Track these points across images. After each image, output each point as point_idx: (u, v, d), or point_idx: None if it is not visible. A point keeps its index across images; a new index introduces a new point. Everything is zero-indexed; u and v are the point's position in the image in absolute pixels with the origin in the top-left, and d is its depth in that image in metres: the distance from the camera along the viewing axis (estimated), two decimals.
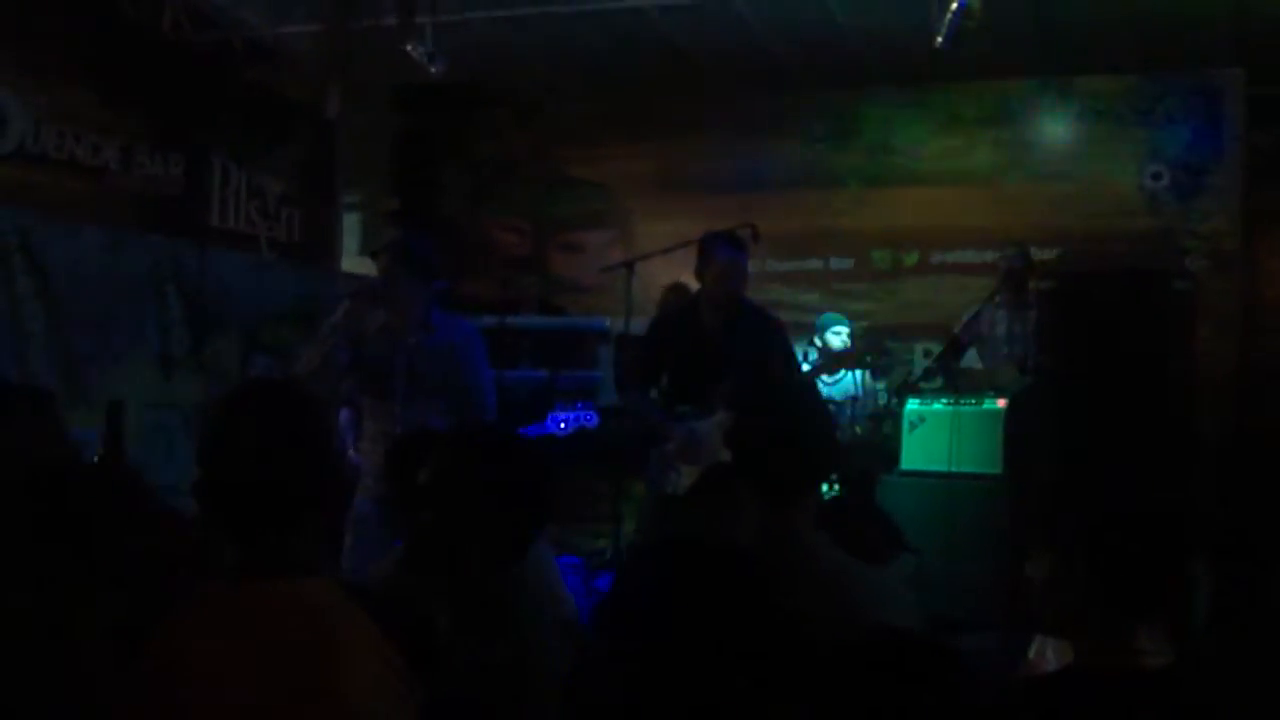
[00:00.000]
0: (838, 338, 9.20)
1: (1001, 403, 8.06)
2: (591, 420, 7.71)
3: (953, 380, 8.58)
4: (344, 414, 6.76)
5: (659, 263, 8.68)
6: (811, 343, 9.27)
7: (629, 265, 8.12)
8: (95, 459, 7.29)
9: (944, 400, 8.24)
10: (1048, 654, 3.21)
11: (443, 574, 3.30)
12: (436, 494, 3.30)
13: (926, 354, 9.79)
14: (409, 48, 8.65)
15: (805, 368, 7.64)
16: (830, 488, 8.26)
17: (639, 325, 8.12)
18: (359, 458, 6.34)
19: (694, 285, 8.94)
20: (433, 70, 8.84)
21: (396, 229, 10.49)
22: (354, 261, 11.20)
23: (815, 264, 10.79)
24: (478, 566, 3.22)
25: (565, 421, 7.66)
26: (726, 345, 6.71)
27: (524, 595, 3.38)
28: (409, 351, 6.03)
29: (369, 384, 6.14)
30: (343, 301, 6.12)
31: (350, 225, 11.53)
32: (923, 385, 8.75)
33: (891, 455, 8.34)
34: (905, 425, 8.31)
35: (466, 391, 6.19)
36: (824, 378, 8.82)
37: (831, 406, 8.17)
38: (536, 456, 3.45)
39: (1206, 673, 2.49)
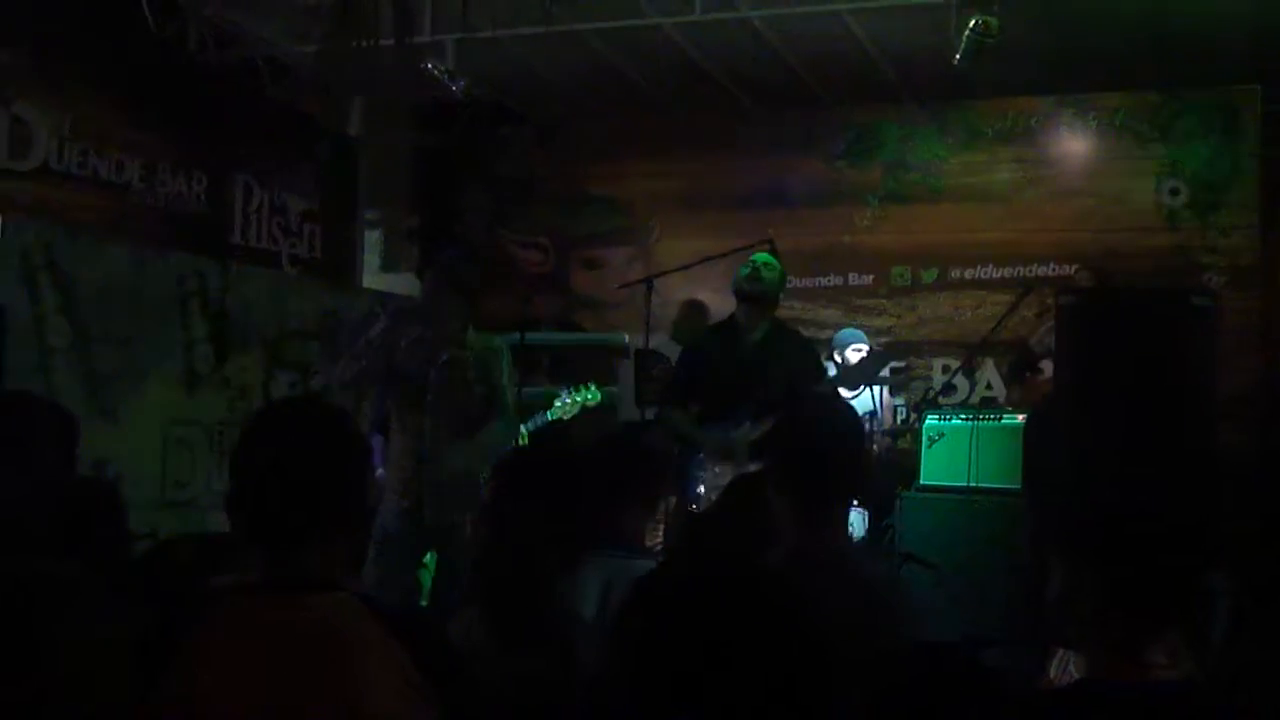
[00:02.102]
0: (857, 354, 9.23)
1: (1021, 418, 8.08)
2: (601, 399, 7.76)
3: (1022, 394, 8.62)
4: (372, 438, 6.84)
5: (679, 279, 8.73)
6: (830, 358, 9.30)
7: (649, 282, 8.16)
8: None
9: (963, 415, 8.26)
10: (1069, 669, 3.21)
11: (495, 587, 3.34)
12: (493, 512, 3.35)
13: (945, 369, 9.81)
14: (430, 66, 8.71)
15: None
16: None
17: (659, 341, 8.16)
18: (384, 473, 6.42)
19: (711, 303, 9.02)
20: (454, 89, 8.89)
21: (436, 248, 10.56)
22: (375, 278, 11.26)
23: (835, 280, 10.79)
24: (528, 581, 3.25)
25: (567, 405, 7.73)
26: (763, 360, 6.79)
27: (573, 609, 3.40)
28: (441, 369, 6.13)
29: (401, 398, 6.26)
30: (380, 318, 6.25)
31: (372, 242, 11.57)
32: (941, 400, 8.78)
33: (910, 471, 8.35)
34: (924, 440, 8.32)
35: (488, 402, 6.32)
36: (843, 393, 8.86)
37: None
38: (582, 473, 3.48)
39: (1222, 686, 2.50)
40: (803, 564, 3.28)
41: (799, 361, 6.96)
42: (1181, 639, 2.49)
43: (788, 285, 10.27)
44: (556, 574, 3.30)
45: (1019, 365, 9.03)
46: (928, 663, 2.26)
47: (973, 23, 7.81)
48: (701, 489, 6.72)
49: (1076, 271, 9.04)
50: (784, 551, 3.35)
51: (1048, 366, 8.72)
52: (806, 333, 8.93)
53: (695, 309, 9.68)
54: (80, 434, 4.28)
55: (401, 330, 6.33)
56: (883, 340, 10.24)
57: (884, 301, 10.71)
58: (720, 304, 7.28)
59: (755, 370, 6.80)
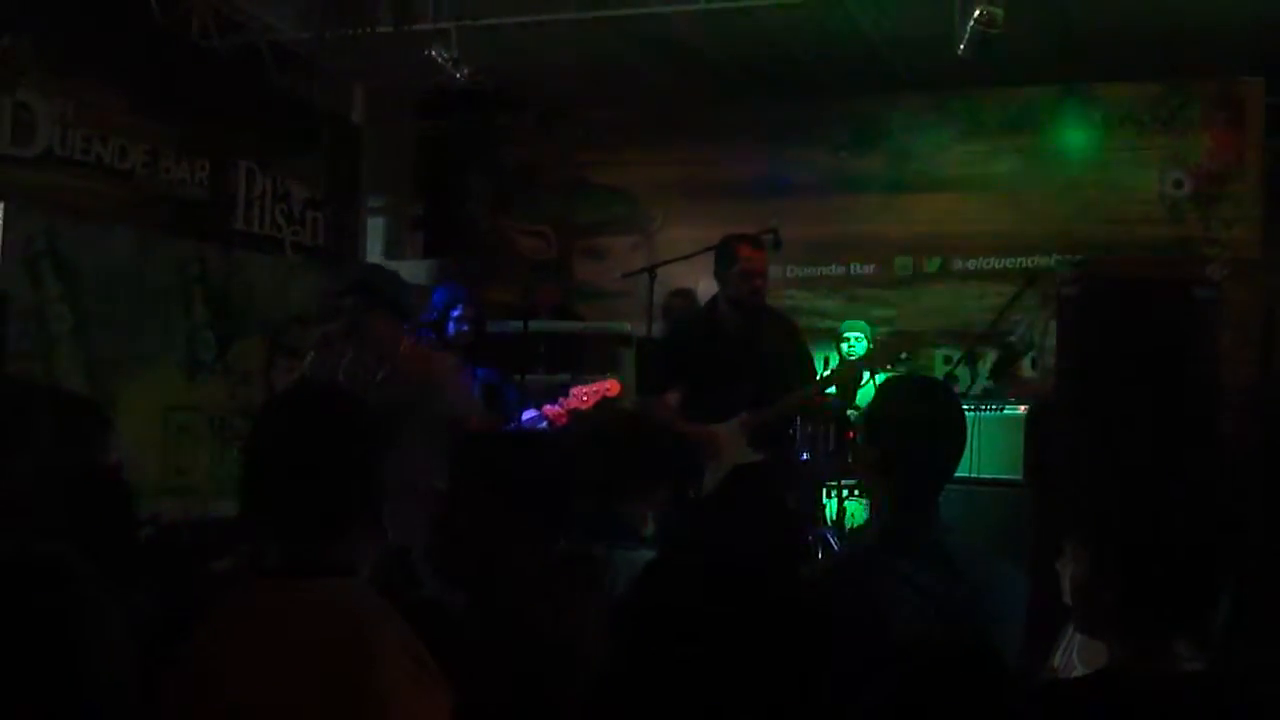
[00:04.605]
0: (847, 344, 9.22)
1: (1022, 409, 8.08)
2: (613, 389, 7.72)
3: (1007, 387, 8.61)
4: None
5: (681, 268, 8.72)
6: (837, 348, 9.30)
7: (651, 271, 8.15)
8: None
9: (965, 406, 8.23)
10: (1074, 658, 3.21)
11: (469, 578, 3.31)
12: (461, 498, 3.33)
13: (947, 360, 9.81)
14: (433, 53, 8.70)
15: (824, 374, 7.62)
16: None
17: (661, 330, 8.15)
18: None
19: (701, 290, 8.97)
20: (457, 76, 8.88)
21: (433, 239, 10.57)
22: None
23: (837, 270, 10.81)
24: (500, 569, 3.23)
25: (587, 395, 7.68)
26: (746, 348, 6.74)
27: (555, 597, 3.40)
28: (378, 388, 6.04)
29: None
30: (309, 354, 6.19)
31: (375, 229, 11.58)
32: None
33: None
34: None
35: (447, 421, 6.23)
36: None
37: (851, 414, 8.18)
38: (557, 460, 3.46)
39: (1243, 679, 2.50)
40: (888, 553, 3.28)
41: (785, 350, 6.91)
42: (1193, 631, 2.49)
43: (789, 274, 10.37)
44: (528, 561, 3.27)
45: (1003, 361, 9.05)
46: (942, 655, 2.25)
47: (977, 12, 7.78)
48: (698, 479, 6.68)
49: (1058, 264, 9.03)
50: (874, 536, 3.33)
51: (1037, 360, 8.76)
52: (806, 322, 8.92)
53: (684, 299, 9.66)
54: (109, 421, 4.25)
55: (331, 358, 6.23)
56: (884, 330, 10.25)
57: (886, 291, 10.72)
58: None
59: (737, 359, 6.75)
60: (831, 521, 8.40)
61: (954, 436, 3.44)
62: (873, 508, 3.55)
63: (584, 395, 7.64)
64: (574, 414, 7.59)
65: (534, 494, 3.29)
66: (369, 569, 2.75)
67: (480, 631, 3.18)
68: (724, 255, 6.85)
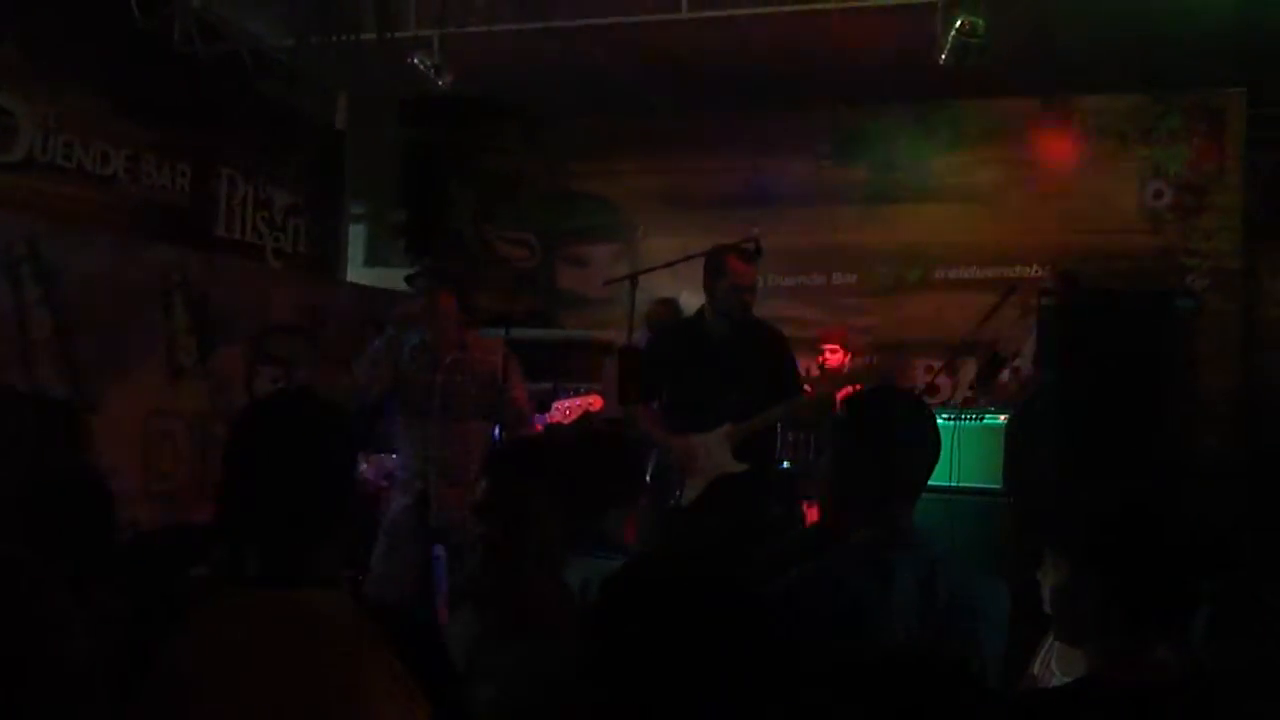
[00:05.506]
0: (835, 355, 9.22)
1: (1002, 418, 8.10)
2: (596, 404, 7.73)
3: (991, 394, 8.63)
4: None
5: (663, 276, 8.71)
6: (816, 359, 9.29)
7: (634, 279, 8.15)
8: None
9: (945, 415, 8.25)
10: (1052, 666, 3.22)
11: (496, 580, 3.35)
12: (491, 507, 3.37)
13: (928, 369, 9.83)
14: (416, 61, 8.70)
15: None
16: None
17: (642, 338, 8.14)
18: (397, 465, 6.61)
19: (683, 299, 8.97)
20: (440, 83, 8.88)
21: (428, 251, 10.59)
22: (360, 273, 11.25)
23: (818, 279, 10.82)
24: (524, 573, 3.26)
25: (569, 409, 7.69)
26: (732, 358, 6.74)
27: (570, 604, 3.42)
28: (446, 371, 6.24)
29: (407, 402, 6.37)
30: (387, 328, 6.42)
31: (356, 237, 11.57)
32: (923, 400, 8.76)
33: None
34: None
35: (506, 406, 6.44)
36: None
37: None
38: (577, 467, 3.49)
39: (1223, 687, 2.51)
40: (865, 562, 3.27)
41: (769, 359, 6.90)
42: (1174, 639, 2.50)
43: (770, 283, 10.35)
44: (561, 565, 3.32)
45: (989, 367, 9.08)
46: (913, 666, 2.25)
47: (959, 23, 7.80)
48: (675, 489, 6.67)
49: (1048, 273, 9.07)
50: (845, 548, 3.34)
51: (1024, 365, 8.78)
52: (789, 331, 8.92)
53: (666, 307, 9.66)
54: (77, 425, 4.26)
55: (404, 338, 6.44)
56: (865, 340, 10.26)
57: (867, 300, 10.74)
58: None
59: (723, 370, 6.75)
60: None
61: (926, 447, 3.43)
62: (851, 520, 3.54)
63: (566, 409, 7.65)
64: (550, 428, 7.60)
65: (569, 496, 3.35)
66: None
67: (500, 634, 3.21)
68: (713, 268, 6.83)
